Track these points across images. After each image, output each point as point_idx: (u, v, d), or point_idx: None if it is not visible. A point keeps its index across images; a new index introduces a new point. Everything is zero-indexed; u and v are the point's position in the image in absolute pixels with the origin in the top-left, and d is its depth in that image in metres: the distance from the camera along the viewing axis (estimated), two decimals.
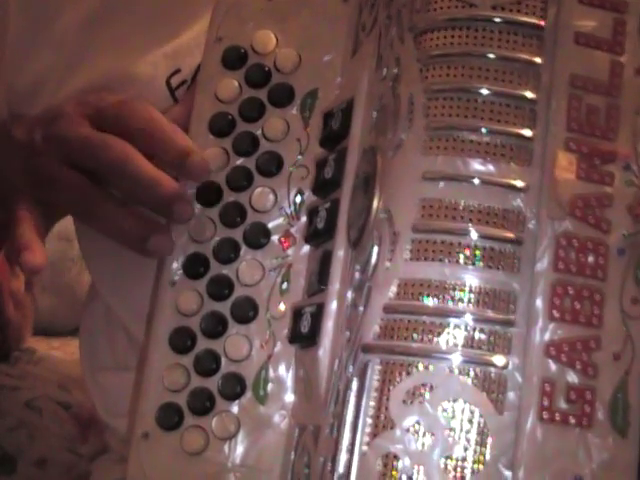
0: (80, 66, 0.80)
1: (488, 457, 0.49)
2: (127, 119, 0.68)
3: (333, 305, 0.59)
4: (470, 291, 0.51)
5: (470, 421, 0.50)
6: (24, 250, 0.68)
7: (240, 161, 0.69)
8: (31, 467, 1.09)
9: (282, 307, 0.66)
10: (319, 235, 0.64)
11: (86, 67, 0.80)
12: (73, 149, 0.69)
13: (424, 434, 0.50)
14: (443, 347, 0.51)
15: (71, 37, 0.80)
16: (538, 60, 0.54)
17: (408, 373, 0.51)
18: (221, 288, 0.67)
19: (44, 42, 0.81)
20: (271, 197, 0.68)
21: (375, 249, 0.54)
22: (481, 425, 0.50)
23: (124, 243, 0.69)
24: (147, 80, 0.79)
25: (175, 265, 0.68)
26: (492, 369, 0.50)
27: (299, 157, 0.68)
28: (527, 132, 0.53)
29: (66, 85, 0.81)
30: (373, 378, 0.51)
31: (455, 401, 0.50)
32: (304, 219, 0.67)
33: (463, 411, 0.50)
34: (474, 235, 0.52)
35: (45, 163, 0.70)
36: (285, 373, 0.65)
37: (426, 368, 0.51)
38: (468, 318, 0.51)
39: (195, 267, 0.68)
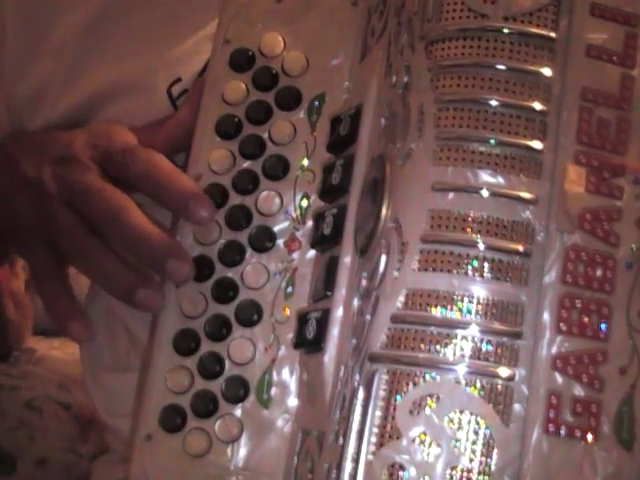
0: (80, 76, 0.80)
1: (494, 468, 0.50)
2: (132, 165, 0.68)
3: (339, 312, 0.59)
4: (478, 302, 0.51)
5: (476, 432, 0.50)
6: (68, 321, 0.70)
7: (246, 164, 0.69)
8: (31, 467, 1.09)
9: (287, 311, 0.66)
10: (325, 241, 0.64)
11: (86, 77, 0.80)
12: (75, 195, 0.69)
13: (430, 445, 0.50)
14: (450, 358, 0.51)
15: (69, 45, 0.80)
16: (549, 72, 0.54)
17: (415, 383, 0.51)
18: (226, 291, 0.67)
19: (42, 50, 0.80)
20: (277, 201, 0.68)
21: (383, 258, 0.54)
22: (487, 436, 0.50)
23: (112, 293, 0.68)
24: (147, 90, 0.79)
25: None
26: (499, 381, 0.51)
27: (306, 161, 0.68)
28: (537, 144, 0.53)
29: (66, 95, 0.80)
30: (380, 388, 0.52)
31: (461, 412, 0.50)
32: (310, 223, 0.67)
33: (469, 422, 0.50)
34: (482, 247, 0.52)
35: (51, 204, 0.70)
36: (289, 377, 0.65)
37: (433, 379, 0.51)
38: (475, 329, 0.51)
39: (200, 269, 0.67)
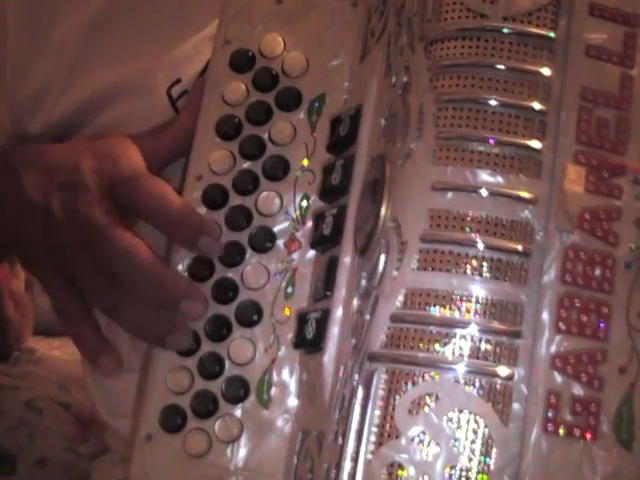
0: (80, 76, 0.80)
1: (493, 468, 0.50)
2: (140, 197, 0.67)
3: (339, 312, 0.59)
4: (477, 302, 0.51)
5: (475, 432, 0.50)
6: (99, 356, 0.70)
7: (247, 164, 0.69)
8: (31, 467, 1.09)
9: (287, 311, 0.67)
10: (325, 241, 0.64)
11: (86, 78, 0.80)
12: (84, 231, 0.67)
13: (429, 444, 0.50)
14: (449, 357, 0.51)
15: (70, 45, 0.80)
16: (548, 72, 0.54)
17: (414, 383, 0.51)
18: (226, 291, 0.67)
19: (43, 50, 0.80)
20: (277, 201, 0.68)
21: (382, 258, 0.54)
22: (486, 436, 0.50)
23: (142, 339, 0.68)
24: (147, 91, 0.79)
25: (180, 268, 0.68)
26: (498, 380, 0.51)
27: (306, 161, 0.68)
28: (536, 144, 0.53)
29: (67, 95, 0.80)
30: (379, 387, 0.52)
31: (460, 411, 0.50)
32: (310, 224, 0.67)
33: (468, 421, 0.50)
34: (482, 246, 0.52)
35: (62, 236, 0.68)
36: (289, 377, 0.65)
37: (432, 378, 0.51)
38: (474, 329, 0.51)
39: (200, 270, 0.68)
